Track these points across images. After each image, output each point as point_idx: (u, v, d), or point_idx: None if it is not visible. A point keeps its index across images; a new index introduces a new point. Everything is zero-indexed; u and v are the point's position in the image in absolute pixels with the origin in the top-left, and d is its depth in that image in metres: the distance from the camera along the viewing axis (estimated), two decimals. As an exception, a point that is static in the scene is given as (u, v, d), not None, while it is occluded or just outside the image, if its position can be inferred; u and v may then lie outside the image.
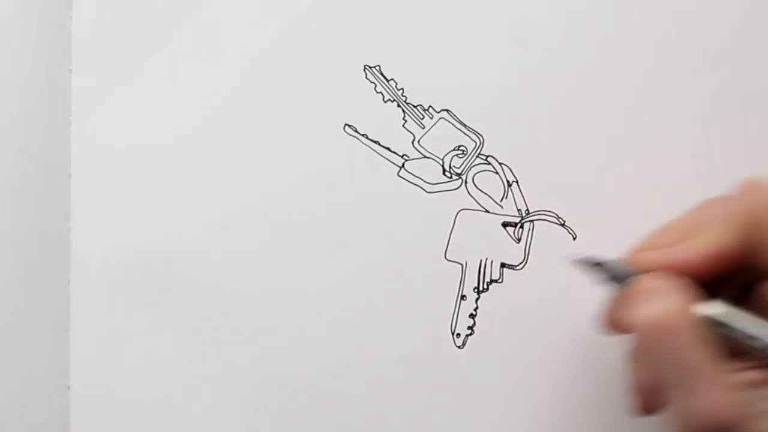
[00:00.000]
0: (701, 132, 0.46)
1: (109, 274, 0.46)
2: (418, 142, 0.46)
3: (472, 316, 0.45)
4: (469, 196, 0.46)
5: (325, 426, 0.46)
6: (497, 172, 0.46)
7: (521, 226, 0.46)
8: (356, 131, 0.46)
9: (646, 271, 0.39)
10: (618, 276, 0.40)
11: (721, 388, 0.36)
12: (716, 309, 0.39)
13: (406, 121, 0.46)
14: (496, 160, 0.46)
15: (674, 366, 0.38)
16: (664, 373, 0.38)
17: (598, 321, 0.41)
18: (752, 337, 0.38)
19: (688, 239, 0.40)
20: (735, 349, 0.38)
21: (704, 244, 0.39)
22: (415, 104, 0.46)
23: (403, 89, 0.46)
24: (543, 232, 0.46)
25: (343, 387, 0.46)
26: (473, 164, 0.46)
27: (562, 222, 0.46)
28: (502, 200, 0.46)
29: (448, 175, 0.46)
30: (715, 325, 0.38)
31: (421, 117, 0.46)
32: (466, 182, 0.46)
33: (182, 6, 0.47)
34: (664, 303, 0.38)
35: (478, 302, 0.45)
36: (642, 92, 0.46)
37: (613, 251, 0.43)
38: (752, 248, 0.39)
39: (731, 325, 0.38)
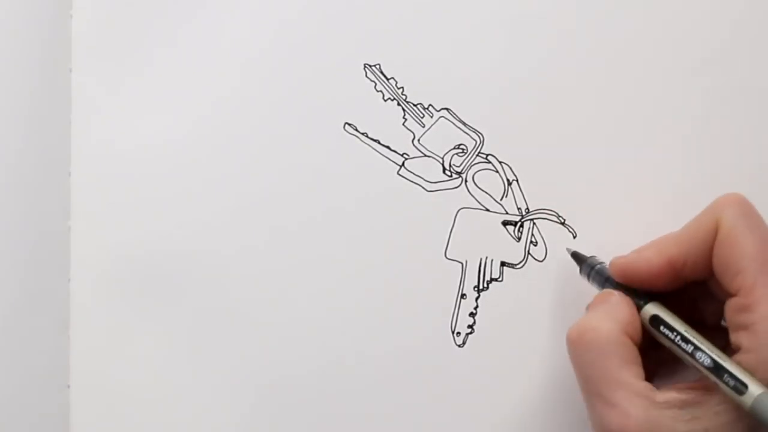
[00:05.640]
0: (701, 131, 0.46)
1: (109, 273, 0.46)
2: (418, 140, 0.46)
3: (472, 314, 0.45)
4: (469, 195, 0.46)
5: (324, 425, 0.46)
6: (497, 171, 0.46)
7: (521, 225, 0.46)
8: (356, 130, 0.46)
9: (616, 272, 0.42)
10: (599, 274, 0.43)
11: (635, 403, 0.38)
12: (655, 310, 0.40)
13: (406, 119, 0.46)
14: (496, 159, 0.46)
15: (589, 378, 0.39)
16: (581, 383, 0.40)
17: None
18: (681, 338, 0.39)
19: (651, 246, 0.41)
20: (674, 371, 0.40)
21: (652, 254, 0.41)
22: (415, 103, 0.46)
23: (403, 88, 0.46)
24: (543, 230, 0.46)
25: (344, 386, 0.45)
26: (473, 163, 0.46)
27: (562, 221, 0.46)
28: (502, 199, 0.46)
29: (448, 173, 0.46)
30: (653, 327, 0.40)
31: (421, 116, 0.46)
32: (466, 181, 0.46)
33: (182, 5, 0.47)
34: (588, 318, 0.40)
35: (479, 301, 0.45)
36: (642, 91, 0.46)
37: (612, 249, 0.43)
38: (700, 262, 0.40)
39: (666, 322, 0.40)
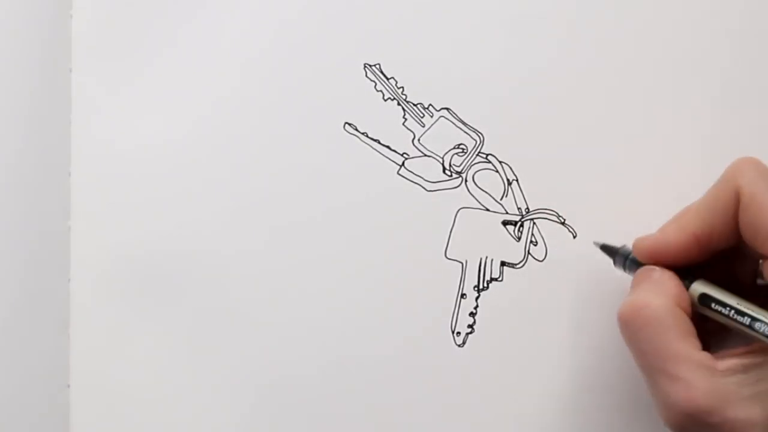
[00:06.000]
0: (701, 130, 0.46)
1: (109, 273, 0.46)
2: (418, 140, 0.46)
3: (472, 314, 0.45)
4: (469, 195, 0.46)
5: (324, 425, 0.45)
6: (497, 171, 0.46)
7: (521, 225, 0.46)
8: (356, 130, 0.46)
9: (642, 255, 0.41)
10: (635, 263, 0.42)
11: (698, 374, 0.37)
12: (702, 288, 0.40)
13: (406, 119, 0.46)
14: (496, 159, 0.46)
15: (648, 354, 0.38)
16: (640, 361, 0.39)
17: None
18: (735, 312, 0.38)
19: (673, 222, 0.41)
20: (723, 338, 0.39)
21: (678, 228, 0.41)
22: (415, 102, 0.46)
23: (403, 87, 0.46)
24: (543, 230, 0.46)
25: (343, 386, 0.45)
26: (473, 162, 0.46)
27: (563, 220, 0.46)
28: (502, 199, 0.46)
29: (448, 173, 0.46)
30: (703, 306, 0.39)
31: (421, 115, 0.46)
32: (466, 180, 0.46)
33: (182, 5, 0.47)
34: (638, 295, 0.40)
35: (479, 301, 0.45)
36: (642, 91, 0.46)
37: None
38: (726, 231, 0.39)
39: (717, 299, 0.39)
